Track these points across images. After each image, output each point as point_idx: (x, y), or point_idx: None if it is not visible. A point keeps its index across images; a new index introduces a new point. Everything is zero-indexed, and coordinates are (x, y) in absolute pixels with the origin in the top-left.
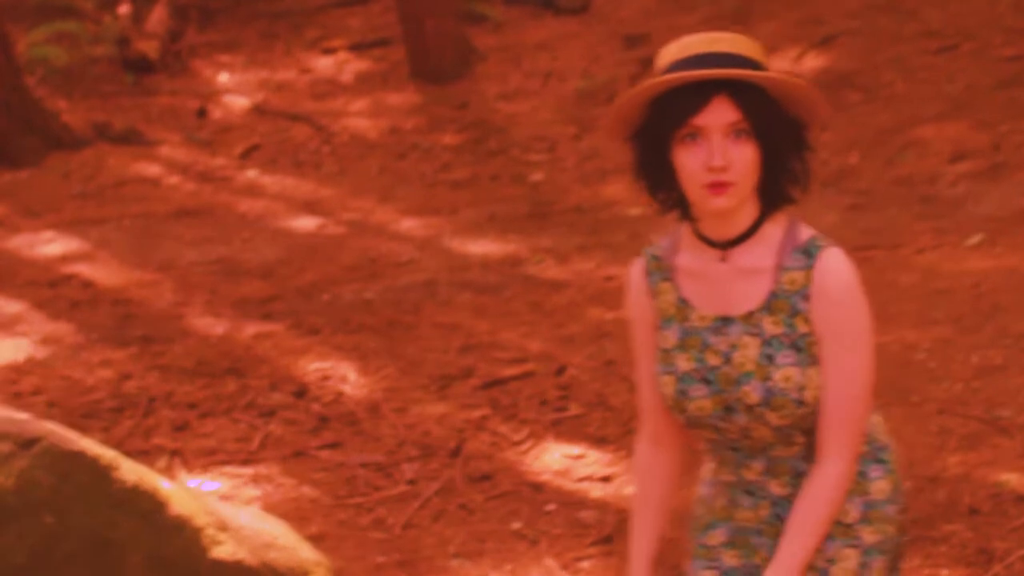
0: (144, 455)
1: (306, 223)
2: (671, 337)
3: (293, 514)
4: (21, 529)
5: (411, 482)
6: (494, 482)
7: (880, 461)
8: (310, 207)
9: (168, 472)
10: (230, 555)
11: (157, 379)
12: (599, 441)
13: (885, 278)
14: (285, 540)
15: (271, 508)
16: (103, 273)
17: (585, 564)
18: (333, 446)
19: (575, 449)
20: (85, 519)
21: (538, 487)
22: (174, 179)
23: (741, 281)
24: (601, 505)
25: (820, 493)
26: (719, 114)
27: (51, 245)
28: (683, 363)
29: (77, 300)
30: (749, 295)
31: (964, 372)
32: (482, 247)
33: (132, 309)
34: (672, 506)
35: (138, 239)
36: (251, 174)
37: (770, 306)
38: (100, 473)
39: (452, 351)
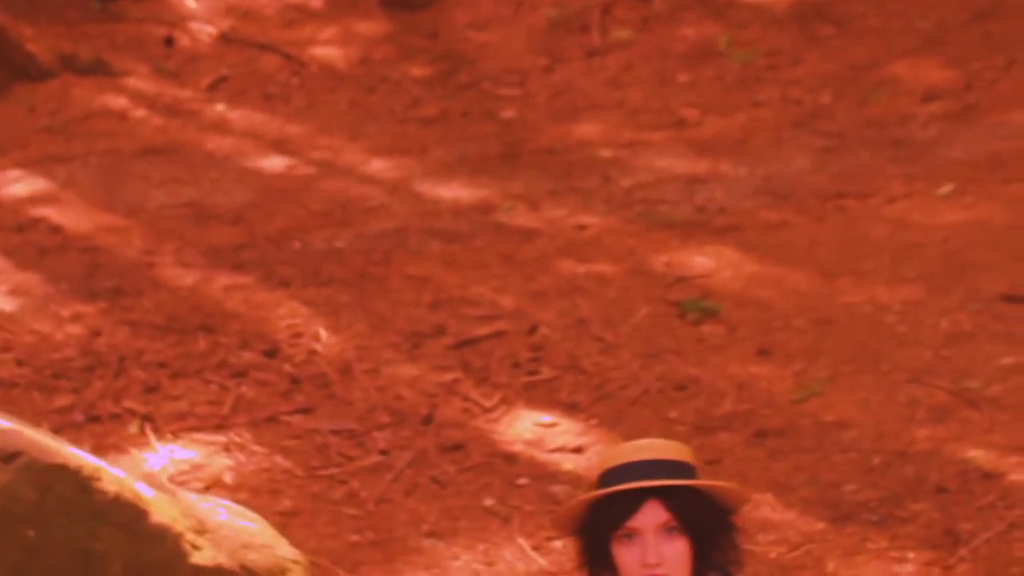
0: (115, 419)
1: (275, 163)
2: None
3: (266, 487)
4: (2, 544)
5: (383, 452)
6: (466, 452)
7: None
8: (279, 145)
9: (140, 439)
10: (210, 560)
11: (127, 336)
12: (571, 408)
13: (857, 230)
14: (262, 538)
15: (244, 480)
16: (71, 217)
17: (557, 544)
18: (305, 411)
19: (547, 417)
20: (67, 531)
21: (510, 458)
22: (141, 112)
23: None
24: (573, 479)
25: None
26: (651, 517)
27: (17, 185)
28: None
29: (45, 247)
30: None
31: (934, 338)
32: (452, 191)
33: (101, 257)
34: None
35: (105, 179)
36: (219, 108)
37: None
38: (82, 485)
39: (423, 306)
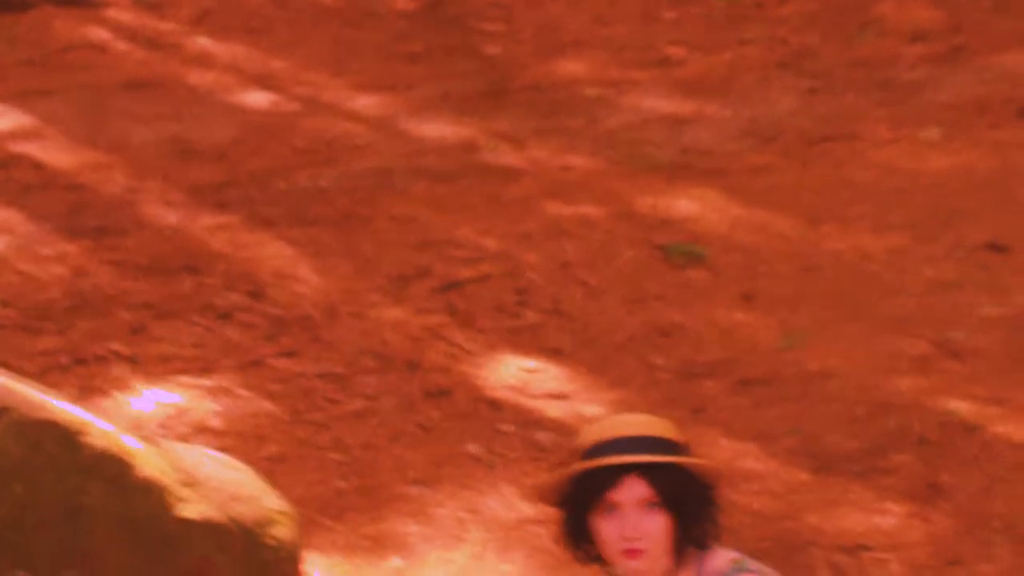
0: (101, 361)
1: (258, 98)
2: None
3: (252, 432)
4: None
5: (369, 397)
6: (451, 398)
7: None
8: (262, 80)
9: (125, 382)
10: (197, 513)
11: (112, 276)
12: (555, 353)
13: (842, 175)
14: (250, 488)
15: (230, 424)
16: (53, 153)
17: None
18: (290, 354)
19: (531, 362)
20: (55, 487)
21: (495, 404)
22: (122, 45)
23: None
24: (557, 426)
25: None
26: (632, 491)
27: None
28: None
29: (28, 184)
30: None
31: (918, 287)
32: (437, 129)
33: (84, 195)
34: None
35: (87, 113)
36: (201, 41)
37: None
38: (69, 440)
39: (408, 248)
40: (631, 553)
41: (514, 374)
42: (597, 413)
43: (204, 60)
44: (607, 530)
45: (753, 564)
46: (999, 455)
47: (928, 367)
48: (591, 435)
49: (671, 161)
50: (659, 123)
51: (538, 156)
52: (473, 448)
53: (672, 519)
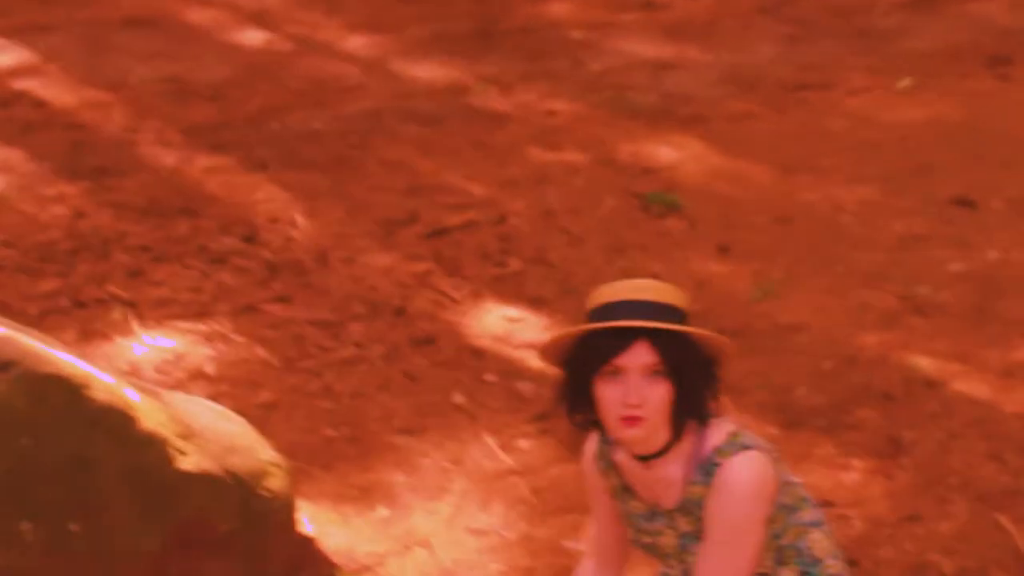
0: (100, 304)
1: (254, 37)
2: (621, 508)
3: (245, 379)
4: None
5: (358, 345)
6: (437, 346)
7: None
8: (258, 19)
9: (124, 326)
10: (195, 465)
11: (111, 218)
12: (537, 302)
13: (818, 124)
14: (244, 440)
15: (224, 371)
16: (54, 91)
17: (522, 443)
18: (282, 300)
19: (514, 311)
20: (61, 439)
21: (478, 353)
22: None
23: (661, 486)
24: (538, 376)
25: None
26: (638, 357)
27: (1, 55)
28: (630, 532)
29: (29, 122)
30: (667, 497)
31: (887, 241)
32: (427, 71)
33: (84, 135)
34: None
35: (88, 50)
36: None
37: (681, 509)
38: (74, 394)
39: (397, 192)
40: (630, 421)
41: (498, 323)
42: None
43: None
44: (608, 395)
45: (749, 437)
46: (958, 412)
47: (894, 322)
48: (601, 296)
49: (653, 107)
50: (642, 67)
51: (524, 100)
52: (457, 398)
53: (674, 389)
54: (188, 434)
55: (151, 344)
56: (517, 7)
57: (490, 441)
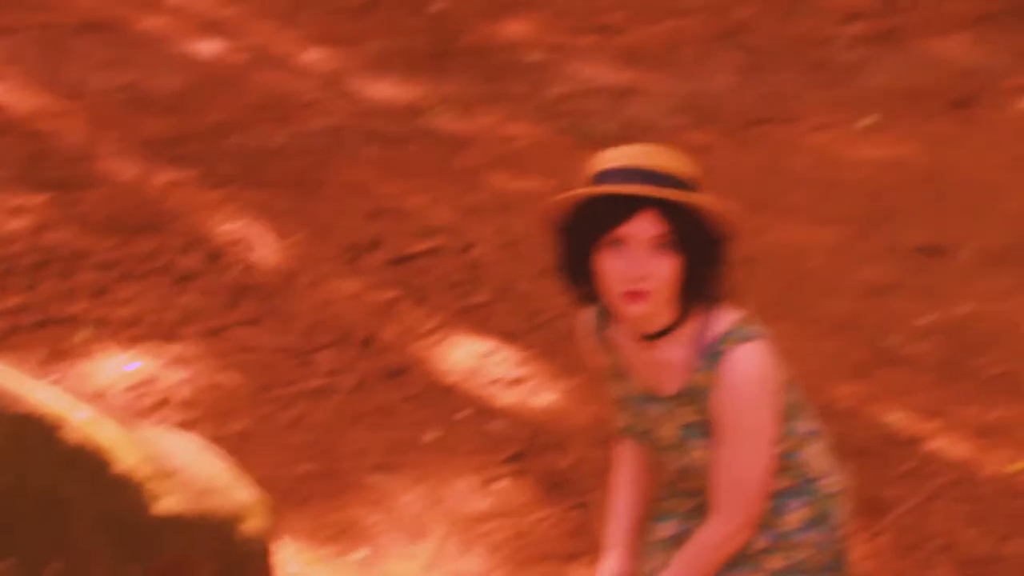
0: (67, 322)
1: (210, 47)
2: (614, 391)
3: (217, 406)
4: None
5: (328, 374)
6: (407, 379)
7: (804, 493)
8: (212, 28)
9: (92, 347)
10: (173, 508)
11: (74, 232)
12: (507, 336)
13: (780, 161)
14: (222, 480)
15: (196, 397)
16: (13, 96)
17: (498, 485)
18: (250, 323)
19: (483, 345)
20: (38, 479)
21: (449, 389)
22: None
23: (661, 370)
24: (511, 413)
25: (700, 548)
26: (645, 227)
27: None
28: (624, 417)
29: None
30: (668, 382)
31: (856, 288)
32: (386, 89)
33: (44, 144)
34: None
35: (45, 55)
36: None
37: (683, 397)
38: (48, 435)
39: (360, 216)
40: (634, 296)
41: (467, 357)
42: (549, 401)
43: (156, 3)
44: (612, 267)
45: (756, 328)
46: (936, 471)
47: (866, 374)
48: (605, 160)
49: (613, 135)
50: (601, 93)
51: (484, 123)
52: (430, 435)
53: (682, 264)
54: (164, 474)
55: (120, 366)
56: (474, 25)
57: (466, 482)
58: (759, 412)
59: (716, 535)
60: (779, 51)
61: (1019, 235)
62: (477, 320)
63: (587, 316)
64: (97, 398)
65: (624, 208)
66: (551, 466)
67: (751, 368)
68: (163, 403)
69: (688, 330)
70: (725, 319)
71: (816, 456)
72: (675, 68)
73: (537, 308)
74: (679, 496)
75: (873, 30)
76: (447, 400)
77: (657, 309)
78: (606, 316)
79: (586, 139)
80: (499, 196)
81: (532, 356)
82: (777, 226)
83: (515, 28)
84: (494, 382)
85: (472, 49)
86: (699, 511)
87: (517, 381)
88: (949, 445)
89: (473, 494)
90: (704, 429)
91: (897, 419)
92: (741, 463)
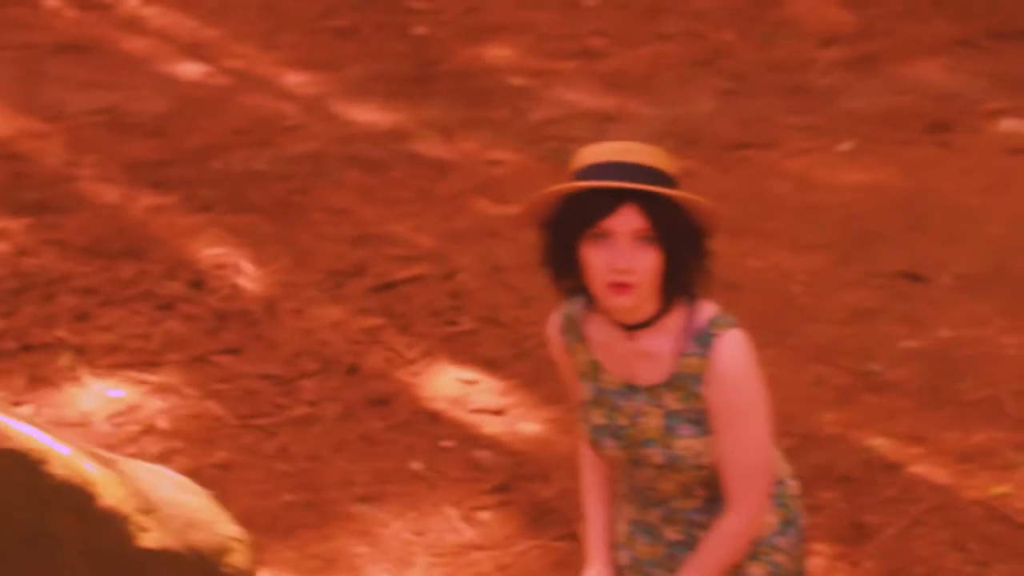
0: (47, 348)
1: (191, 69)
2: (586, 392)
3: (199, 435)
4: None
5: (312, 403)
6: (392, 408)
7: (774, 497)
8: (194, 50)
9: (73, 374)
10: (157, 542)
11: (55, 257)
12: (491, 364)
13: (761, 186)
14: (206, 513)
15: (178, 425)
16: None
17: (483, 515)
18: (233, 351)
19: (467, 373)
20: (24, 513)
21: (434, 417)
22: (54, 2)
23: (644, 359)
24: (495, 443)
25: (722, 539)
26: (627, 220)
27: None
28: (596, 417)
29: None
30: (652, 371)
31: (838, 313)
32: (368, 113)
33: (23, 167)
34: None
35: (23, 76)
36: (132, 3)
37: (671, 384)
38: (32, 468)
39: (343, 242)
40: (619, 288)
41: (452, 385)
42: (533, 431)
43: (137, 23)
44: (596, 259)
45: (734, 318)
46: (919, 496)
47: (849, 400)
48: (588, 156)
49: None
50: (583, 118)
51: (467, 148)
52: (415, 465)
53: (664, 257)
54: (149, 508)
55: (102, 394)
56: (456, 49)
57: (451, 512)
58: (758, 392)
59: (739, 523)
60: (758, 76)
61: (998, 260)
62: (461, 348)
63: (555, 320)
64: (79, 426)
65: (608, 201)
66: (535, 496)
67: (744, 351)
68: (145, 432)
69: (672, 320)
70: (707, 309)
71: (777, 459)
72: (656, 93)
73: (520, 335)
74: (645, 506)
75: (851, 54)
76: (431, 429)
77: (641, 301)
78: (583, 312)
79: (568, 165)
80: (482, 222)
81: (516, 385)
82: (759, 251)
83: (497, 52)
84: (478, 411)
85: (454, 73)
86: (667, 523)
87: (501, 410)
88: (931, 470)
89: (458, 525)
90: (690, 416)
91: (880, 445)
92: (751, 444)
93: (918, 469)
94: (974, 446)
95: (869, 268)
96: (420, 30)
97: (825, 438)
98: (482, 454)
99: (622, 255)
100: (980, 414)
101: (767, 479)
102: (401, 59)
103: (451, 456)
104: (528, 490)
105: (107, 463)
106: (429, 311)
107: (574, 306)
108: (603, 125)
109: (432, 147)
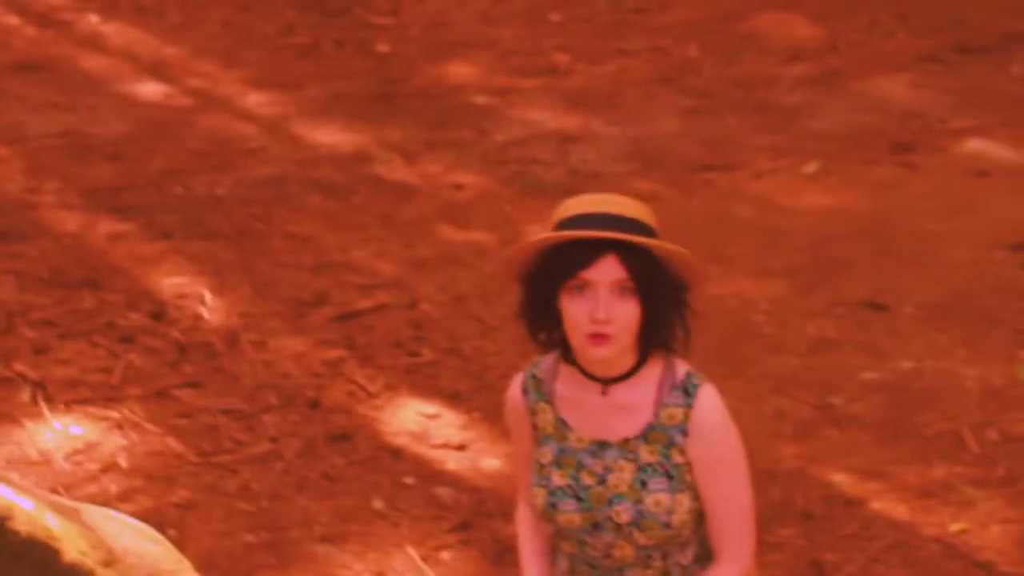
0: (7, 383)
1: (152, 89)
2: (548, 453)
3: (160, 473)
4: None
5: (273, 439)
6: (353, 443)
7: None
8: (155, 69)
9: (33, 409)
10: None
11: (13, 287)
12: (453, 397)
13: (724, 209)
14: (167, 563)
15: (138, 463)
16: None
17: (445, 555)
18: (193, 385)
19: (429, 407)
20: None
21: (396, 453)
22: (13, 20)
23: (619, 413)
24: (457, 480)
25: None
26: (607, 271)
27: None
28: (557, 478)
29: None
30: (627, 425)
31: (799, 344)
32: (329, 135)
33: None
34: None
35: None
36: (92, 20)
37: (647, 436)
38: None
39: (304, 270)
40: (598, 338)
41: (414, 419)
42: (494, 466)
43: (96, 42)
44: (575, 310)
45: (702, 375)
46: (877, 533)
47: (810, 433)
48: (567, 209)
49: (558, 183)
50: (546, 139)
51: (430, 171)
52: (377, 503)
53: (643, 309)
54: (111, 560)
55: (61, 431)
56: (419, 68)
57: (413, 553)
58: (739, 443)
59: (734, 572)
60: (723, 93)
61: (960, 287)
62: (422, 380)
63: (518, 381)
64: (39, 464)
65: (588, 252)
66: (496, 535)
67: (722, 407)
68: (106, 471)
69: (650, 373)
70: (681, 369)
71: None
72: (620, 112)
73: (483, 367)
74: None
75: (816, 70)
76: (393, 465)
77: (619, 352)
78: (552, 370)
79: (532, 188)
80: (445, 249)
81: (477, 419)
82: (722, 279)
83: (461, 70)
84: (440, 446)
85: (417, 92)
86: None
87: (462, 445)
88: (891, 506)
89: (419, 566)
90: (664, 470)
91: (839, 480)
92: (741, 493)
93: (878, 505)
94: (933, 482)
95: (832, 296)
96: (383, 47)
97: (785, 473)
98: (443, 491)
99: (601, 305)
100: (940, 448)
101: (750, 528)
102: (363, 77)
103: (413, 493)
104: (489, 527)
105: (69, 513)
106: (391, 342)
107: (539, 366)
108: (565, 146)
109: (394, 170)
